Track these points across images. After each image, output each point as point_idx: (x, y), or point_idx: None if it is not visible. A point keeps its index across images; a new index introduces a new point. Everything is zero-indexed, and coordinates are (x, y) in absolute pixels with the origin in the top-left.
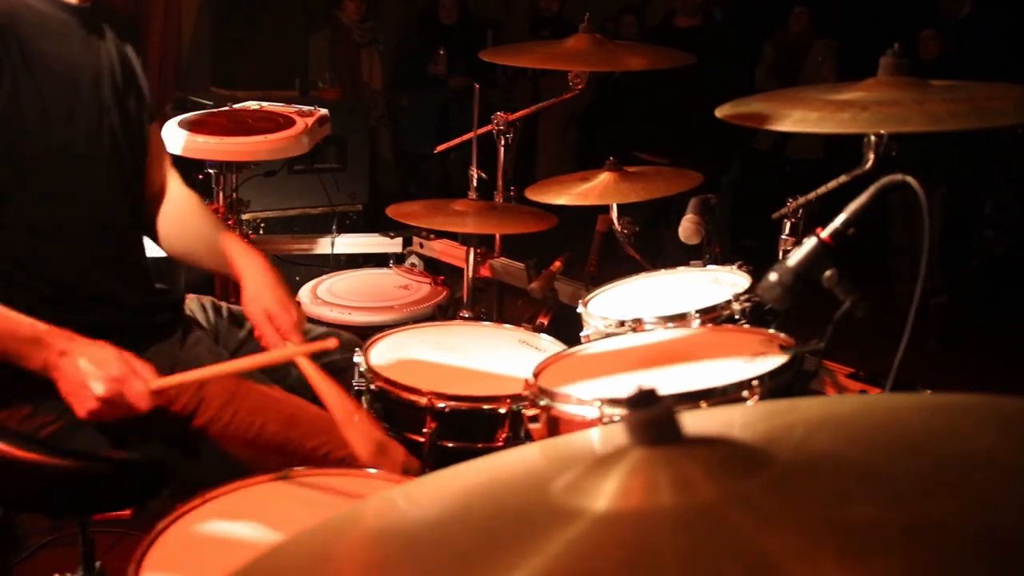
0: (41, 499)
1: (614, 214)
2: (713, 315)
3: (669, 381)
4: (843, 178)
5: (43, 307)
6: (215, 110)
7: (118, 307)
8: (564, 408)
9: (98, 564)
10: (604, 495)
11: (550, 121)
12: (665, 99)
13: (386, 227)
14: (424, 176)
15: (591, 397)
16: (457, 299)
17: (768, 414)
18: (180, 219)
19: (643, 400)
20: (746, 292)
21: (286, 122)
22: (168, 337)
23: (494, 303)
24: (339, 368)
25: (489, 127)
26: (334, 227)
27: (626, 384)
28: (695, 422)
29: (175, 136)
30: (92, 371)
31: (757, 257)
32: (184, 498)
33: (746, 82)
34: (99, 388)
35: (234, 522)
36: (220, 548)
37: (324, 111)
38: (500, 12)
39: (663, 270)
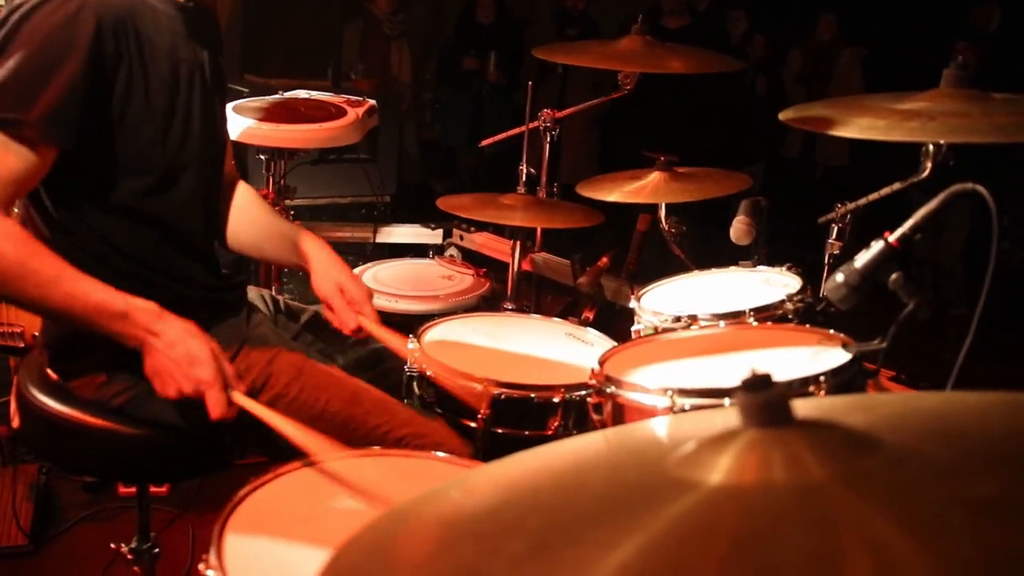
0: (111, 465)
1: (662, 213)
2: (767, 314)
3: (734, 374)
4: (897, 185)
5: (129, 285)
6: (267, 97)
7: (195, 286)
8: (631, 396)
9: (153, 535)
10: (719, 470)
11: (575, 120)
12: (695, 100)
13: (419, 218)
14: (454, 170)
15: (658, 386)
16: (498, 291)
17: (853, 406)
18: (248, 213)
19: (757, 384)
20: (799, 292)
21: (338, 112)
22: (236, 314)
23: (533, 297)
24: (386, 356)
25: (536, 123)
26: (376, 215)
27: (692, 374)
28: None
29: (229, 121)
30: (184, 367)
31: (789, 261)
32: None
33: (775, 87)
34: (187, 386)
35: (309, 496)
36: (297, 519)
37: (372, 102)
38: (527, 10)
39: (714, 269)
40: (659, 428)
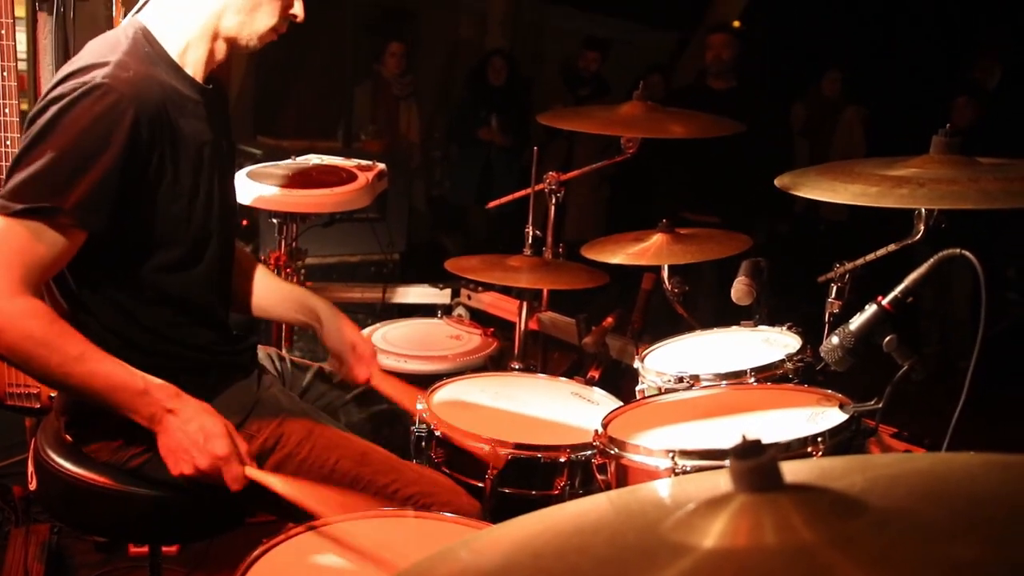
0: (126, 526)
1: (665, 273)
2: (768, 373)
3: (734, 435)
4: (892, 247)
5: (145, 355)
6: (279, 163)
7: (209, 352)
8: (634, 458)
9: None
10: (712, 534)
11: (581, 181)
12: (703, 162)
13: (429, 276)
14: (462, 228)
15: (660, 448)
16: (505, 350)
17: (848, 469)
18: (264, 281)
19: (748, 451)
20: (798, 352)
21: (348, 176)
22: (247, 375)
23: (540, 356)
24: (392, 417)
25: (542, 186)
26: (386, 273)
27: (693, 435)
28: (791, 474)
29: (243, 187)
30: (199, 443)
31: (794, 318)
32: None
33: (786, 146)
34: (203, 462)
35: (318, 558)
36: None
37: (382, 166)
38: (536, 71)
39: (716, 329)
40: (659, 490)
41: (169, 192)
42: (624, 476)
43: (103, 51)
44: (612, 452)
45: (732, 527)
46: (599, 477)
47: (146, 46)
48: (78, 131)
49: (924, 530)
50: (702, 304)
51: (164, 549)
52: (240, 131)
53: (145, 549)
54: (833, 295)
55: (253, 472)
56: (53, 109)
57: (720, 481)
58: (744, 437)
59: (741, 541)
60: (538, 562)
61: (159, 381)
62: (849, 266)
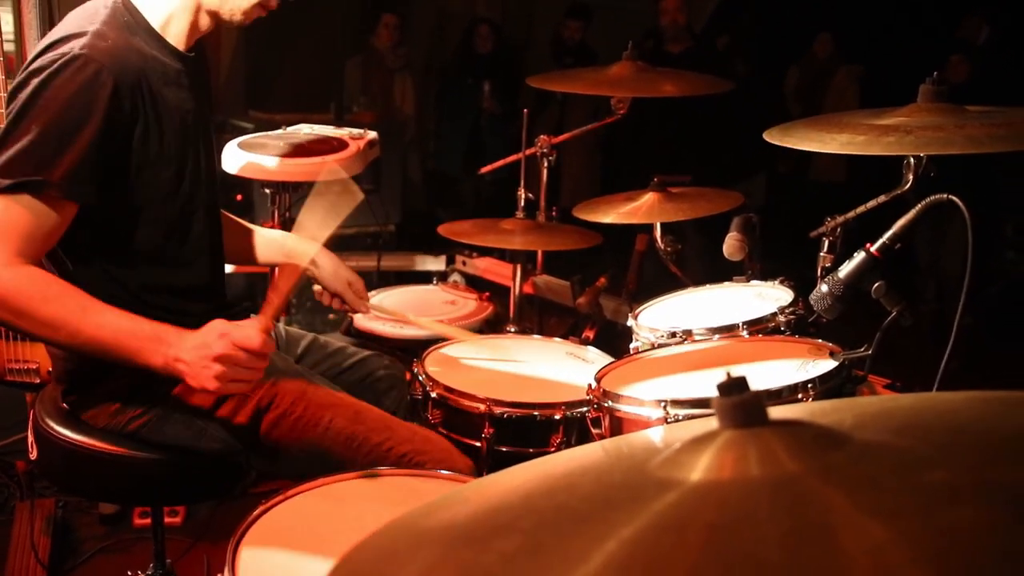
0: (127, 490)
1: (657, 232)
2: (760, 326)
3: None
4: (882, 198)
5: None
6: (271, 133)
7: (203, 319)
8: (628, 409)
9: (168, 562)
10: (698, 468)
11: (574, 145)
12: (694, 123)
13: (424, 245)
14: (456, 198)
15: (652, 398)
16: (501, 314)
17: (832, 409)
18: (242, 229)
19: (733, 387)
20: (790, 305)
21: (340, 144)
22: None
23: (536, 319)
24: (389, 383)
25: (533, 149)
26: (381, 244)
27: (686, 386)
28: (776, 412)
29: (235, 157)
30: (201, 341)
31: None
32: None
33: (775, 104)
34: (216, 347)
35: (317, 517)
36: (305, 540)
37: (374, 134)
38: (523, 39)
39: (708, 285)
40: (650, 436)
41: (156, 160)
42: (618, 428)
43: (81, 22)
44: (606, 405)
45: (717, 461)
46: (594, 431)
47: (125, 15)
48: (59, 104)
49: (903, 459)
50: (693, 264)
51: (168, 520)
52: (232, 106)
53: (149, 521)
54: (825, 249)
55: (260, 318)
56: (34, 82)
57: (710, 425)
58: (729, 375)
59: (726, 474)
60: (527, 502)
61: (164, 324)
62: (840, 220)
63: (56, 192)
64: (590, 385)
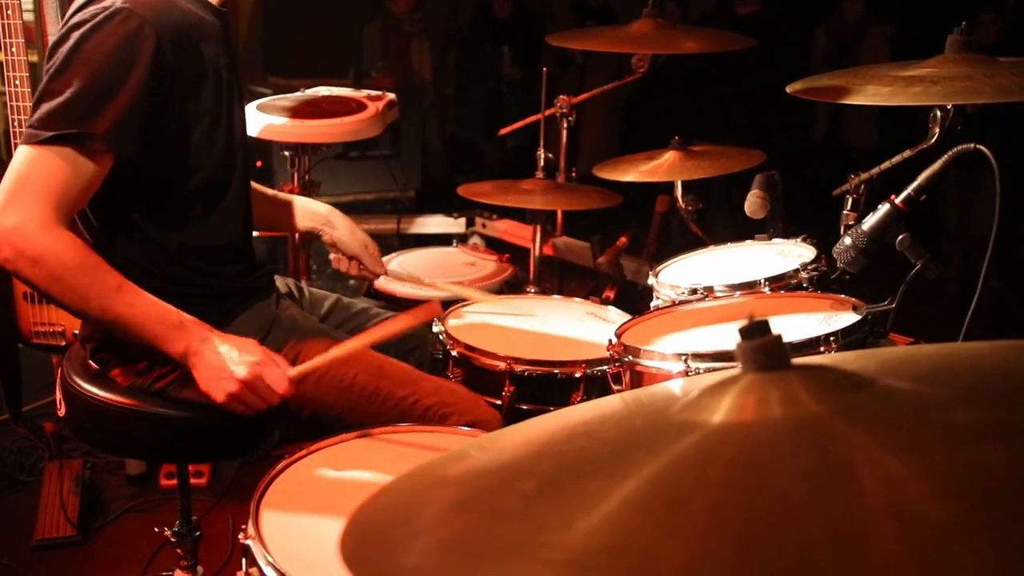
0: (153, 446)
1: (678, 191)
2: (782, 283)
3: None
4: (907, 153)
5: (170, 282)
6: (289, 95)
7: (232, 277)
8: (649, 364)
9: (194, 519)
10: (720, 411)
11: (593, 108)
12: (715, 85)
13: (446, 210)
14: (476, 163)
15: (673, 352)
16: (520, 276)
17: (856, 357)
18: (256, 194)
19: (755, 330)
20: (813, 261)
21: (358, 106)
22: (266, 298)
23: (555, 279)
24: (412, 343)
25: (553, 110)
26: (401, 210)
27: (707, 340)
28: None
29: (254, 120)
30: (234, 355)
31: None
32: (265, 463)
33: (802, 68)
34: (241, 371)
35: (341, 470)
36: (330, 491)
37: (392, 96)
38: (543, 3)
39: (729, 243)
40: (670, 386)
41: (192, 116)
42: (639, 383)
43: None
44: (627, 360)
45: (739, 403)
46: (614, 387)
47: None
48: (103, 56)
49: (925, 401)
50: (717, 224)
51: (193, 481)
52: (250, 71)
53: (175, 482)
54: (848, 207)
55: (296, 369)
56: (75, 35)
57: (732, 372)
58: (751, 317)
59: (748, 415)
60: (547, 448)
61: (191, 316)
62: (864, 176)
63: (100, 145)
64: (610, 340)
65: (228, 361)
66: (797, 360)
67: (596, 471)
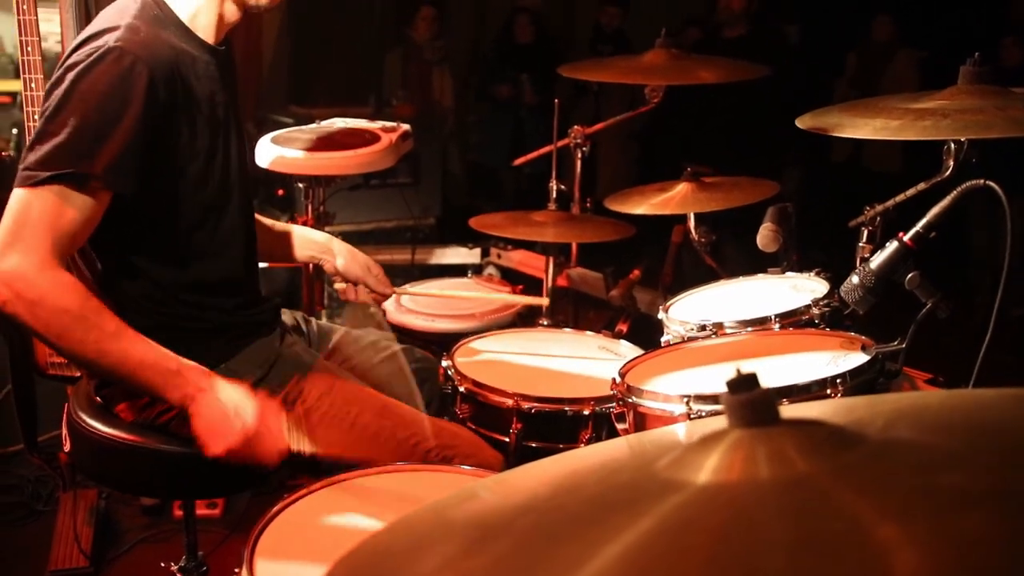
0: (156, 483)
1: (691, 223)
2: (793, 319)
3: None
4: (922, 185)
5: (171, 318)
6: (304, 127)
7: (234, 312)
8: (651, 405)
9: (200, 554)
10: (706, 469)
11: (610, 138)
12: (733, 114)
13: (462, 239)
14: (497, 190)
15: (677, 394)
16: (536, 308)
17: (855, 406)
18: (258, 226)
19: (743, 384)
20: (825, 297)
21: (372, 138)
22: (270, 333)
23: (571, 312)
24: (422, 377)
25: (567, 140)
26: (421, 238)
27: (712, 381)
28: (789, 411)
29: (267, 151)
30: (230, 418)
31: (827, 268)
32: (277, 494)
33: (822, 92)
34: (242, 427)
35: (338, 512)
36: (325, 535)
37: (406, 127)
38: (566, 29)
39: (742, 277)
40: (666, 433)
41: (187, 152)
42: (642, 423)
43: (113, 17)
44: (629, 400)
45: (726, 462)
46: (618, 426)
47: (155, 9)
48: (98, 96)
49: (918, 460)
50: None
51: (207, 512)
52: (274, 101)
53: None
54: (864, 239)
55: (291, 444)
56: (70, 76)
57: (720, 424)
58: (739, 370)
59: (734, 475)
60: (528, 502)
61: (191, 363)
62: (880, 208)
63: (99, 184)
64: (614, 379)
65: (223, 421)
66: (787, 414)
67: (574, 534)
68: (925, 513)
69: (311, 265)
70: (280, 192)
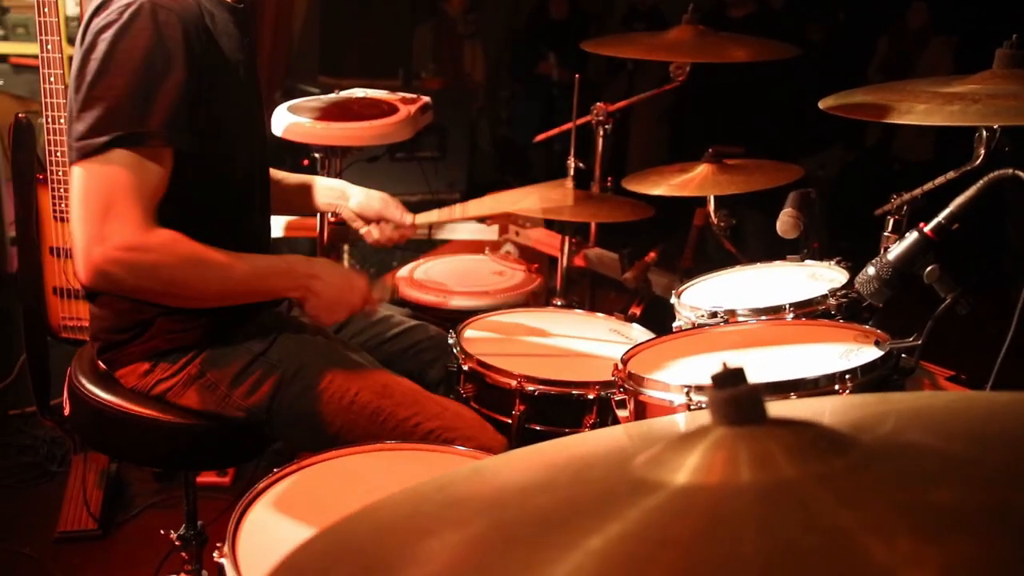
0: (150, 452)
1: (711, 206)
2: (808, 309)
3: (760, 370)
4: (951, 174)
5: None
6: (322, 96)
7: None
8: (651, 394)
9: (200, 523)
10: (684, 470)
11: (642, 116)
12: (745, 92)
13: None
14: (526, 166)
15: (679, 383)
16: (551, 287)
17: (859, 404)
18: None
19: (729, 379)
20: (843, 288)
21: (390, 109)
22: (277, 305)
23: (587, 293)
24: (435, 354)
25: (588, 117)
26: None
27: (716, 369)
28: (783, 408)
29: (282, 120)
30: (346, 286)
31: (856, 258)
32: (280, 464)
33: (855, 76)
34: (355, 301)
35: (324, 492)
36: (310, 514)
37: (427, 99)
38: (601, 5)
39: (759, 263)
40: (645, 427)
41: (224, 111)
42: (643, 412)
43: None
44: (630, 388)
45: (706, 462)
46: (619, 413)
47: None
48: (141, 53)
49: (909, 470)
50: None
51: (216, 479)
52: (302, 71)
53: (200, 479)
54: (890, 229)
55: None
56: (106, 38)
57: (702, 420)
58: (725, 364)
59: (714, 477)
60: (499, 497)
61: (294, 256)
62: (907, 197)
63: (158, 141)
64: (616, 365)
65: (343, 293)
66: (776, 413)
67: (534, 538)
68: (908, 532)
69: (325, 237)
70: (305, 162)
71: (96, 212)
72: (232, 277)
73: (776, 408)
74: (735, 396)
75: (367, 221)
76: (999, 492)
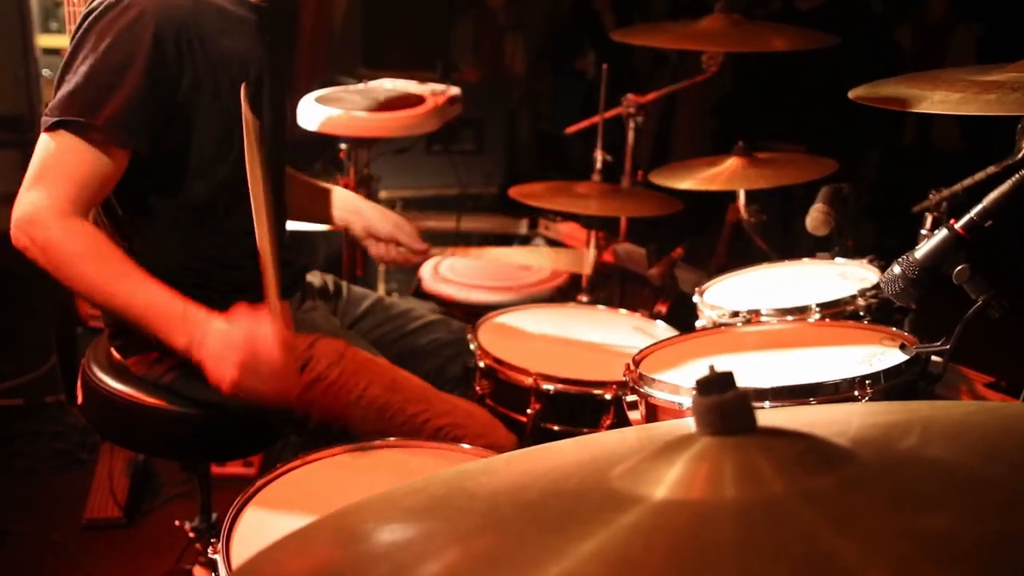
0: (159, 443)
1: (741, 201)
2: (835, 310)
3: (777, 373)
4: (991, 169)
5: (192, 279)
6: (349, 87)
7: (251, 273)
8: (660, 395)
9: (214, 516)
10: (665, 483)
11: (688, 108)
12: (793, 85)
13: (515, 209)
14: (565, 160)
15: (689, 385)
16: (577, 282)
17: (872, 413)
18: (291, 184)
19: (715, 385)
20: (873, 288)
21: (416, 100)
22: (287, 297)
23: (617, 289)
24: (455, 349)
25: (619, 109)
26: (484, 207)
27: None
28: (778, 416)
29: (310, 111)
30: (227, 335)
31: (883, 257)
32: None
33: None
34: (239, 350)
35: (327, 485)
36: (313, 508)
37: (456, 90)
38: None
39: (787, 261)
40: (626, 435)
41: (207, 111)
42: (654, 414)
43: None
44: (641, 389)
45: (688, 475)
46: (631, 415)
47: None
48: (105, 45)
49: (905, 491)
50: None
51: (242, 470)
52: (342, 63)
53: (226, 469)
54: (928, 226)
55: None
56: (86, 23)
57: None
58: (712, 368)
59: (695, 492)
60: (471, 504)
61: (198, 308)
62: (946, 193)
63: (100, 136)
64: (627, 366)
65: (226, 345)
66: (766, 422)
67: (514, 556)
68: (893, 562)
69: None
70: (341, 154)
71: (29, 179)
72: (117, 292)
73: (768, 417)
74: (721, 403)
75: (378, 239)
76: (997, 522)
